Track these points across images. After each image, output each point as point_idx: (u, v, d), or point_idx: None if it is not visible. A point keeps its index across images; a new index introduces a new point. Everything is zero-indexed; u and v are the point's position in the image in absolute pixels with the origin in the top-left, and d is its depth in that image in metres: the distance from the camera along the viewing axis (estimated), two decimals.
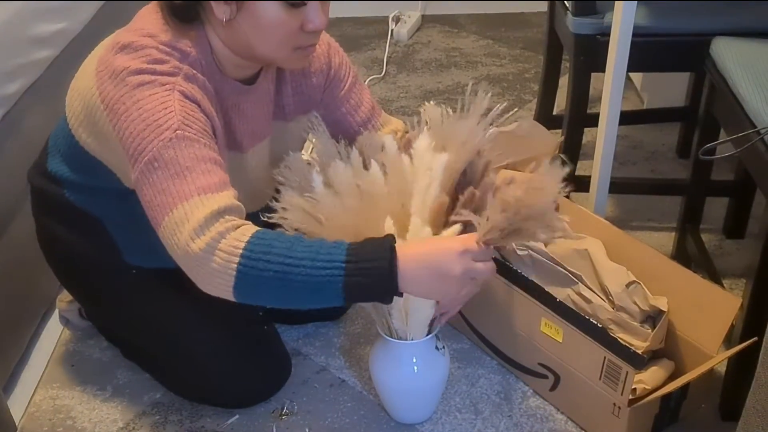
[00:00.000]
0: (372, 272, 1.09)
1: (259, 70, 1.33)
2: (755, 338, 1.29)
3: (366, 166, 1.28)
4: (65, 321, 1.65)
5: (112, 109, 1.18)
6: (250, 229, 1.12)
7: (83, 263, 1.44)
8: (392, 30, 2.95)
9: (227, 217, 1.12)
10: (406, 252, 1.12)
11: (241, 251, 1.08)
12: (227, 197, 1.14)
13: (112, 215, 1.38)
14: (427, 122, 1.34)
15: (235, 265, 1.08)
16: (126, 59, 1.19)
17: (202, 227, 1.09)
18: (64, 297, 1.63)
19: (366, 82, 2.62)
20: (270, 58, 1.26)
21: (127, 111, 1.16)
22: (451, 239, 1.16)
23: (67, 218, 1.40)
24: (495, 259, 1.35)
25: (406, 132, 1.44)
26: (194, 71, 1.21)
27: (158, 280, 1.41)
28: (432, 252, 1.13)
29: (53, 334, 1.64)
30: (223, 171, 1.18)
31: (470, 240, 1.14)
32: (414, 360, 1.36)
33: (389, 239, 1.13)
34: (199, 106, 1.19)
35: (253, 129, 1.36)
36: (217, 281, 1.10)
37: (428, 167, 1.24)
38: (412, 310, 1.28)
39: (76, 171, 1.36)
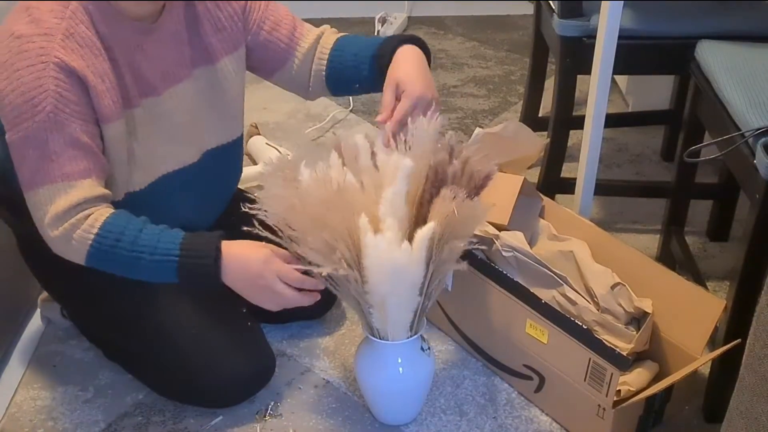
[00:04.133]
0: (199, 267, 1.27)
1: (162, 7, 1.32)
2: (739, 340, 1.30)
3: (343, 164, 1.29)
4: (47, 321, 1.63)
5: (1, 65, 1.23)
6: (102, 217, 1.25)
7: (61, 261, 1.43)
8: (378, 31, 2.95)
9: (84, 206, 1.24)
10: (231, 252, 1.28)
11: (91, 242, 1.24)
12: (89, 186, 1.25)
13: None
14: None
15: (86, 251, 1.25)
16: (11, 21, 1.23)
17: (60, 218, 1.23)
18: (46, 296, 1.62)
19: None
20: None
21: (8, 79, 1.21)
22: (264, 251, 1.29)
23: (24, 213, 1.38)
24: (481, 260, 1.35)
25: (332, 34, 1.49)
26: (76, 23, 1.22)
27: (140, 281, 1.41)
28: (248, 257, 1.29)
29: (34, 334, 1.63)
30: (92, 156, 1.25)
31: (285, 261, 1.29)
32: (399, 361, 1.35)
33: (218, 238, 1.28)
34: (78, 74, 1.21)
35: (164, 70, 1.34)
36: (71, 257, 1.28)
37: (394, 169, 1.23)
38: (390, 311, 1.28)
39: None
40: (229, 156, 1.50)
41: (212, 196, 1.51)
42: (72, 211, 1.24)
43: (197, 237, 1.29)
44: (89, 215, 1.25)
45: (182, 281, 1.27)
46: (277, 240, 1.29)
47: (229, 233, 1.32)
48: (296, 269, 1.28)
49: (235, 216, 1.35)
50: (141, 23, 1.29)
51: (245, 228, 1.27)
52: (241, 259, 1.28)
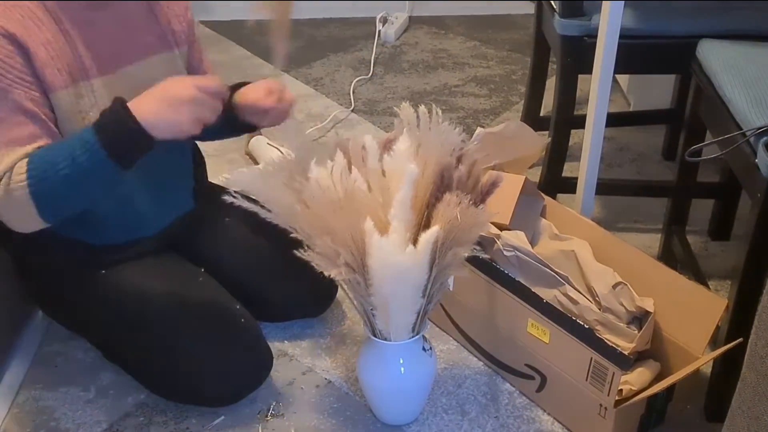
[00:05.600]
0: (121, 133, 1.21)
1: None
2: (740, 339, 1.30)
3: (350, 167, 1.29)
4: (48, 322, 1.63)
5: None
6: (24, 160, 1.22)
7: (55, 273, 1.44)
8: (379, 31, 2.95)
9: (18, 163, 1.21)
10: (140, 98, 1.23)
11: (26, 182, 1.20)
12: (34, 150, 1.22)
13: None
14: (408, 123, 1.34)
15: (27, 193, 1.21)
16: None
17: (1, 179, 1.21)
18: None
19: (353, 83, 2.62)
20: None
21: None
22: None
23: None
24: (483, 260, 1.35)
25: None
26: None
27: (131, 278, 1.42)
28: (164, 84, 1.24)
29: (36, 335, 1.63)
30: (39, 122, 1.24)
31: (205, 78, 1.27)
32: (401, 361, 1.35)
33: (118, 101, 1.22)
34: (18, 41, 1.21)
35: (118, 49, 1.35)
36: (23, 212, 1.23)
37: (402, 174, 1.24)
38: (393, 312, 1.28)
39: None
40: (178, 144, 1.45)
41: (165, 184, 1.48)
42: (9, 170, 1.22)
43: (103, 113, 1.25)
44: (17, 166, 1.22)
45: (117, 156, 1.22)
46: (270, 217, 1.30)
47: (212, 226, 1.36)
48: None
49: (215, 208, 1.36)
50: None
51: (228, 219, 1.27)
52: (145, 95, 1.24)
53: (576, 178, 1.77)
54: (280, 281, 1.57)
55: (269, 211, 1.30)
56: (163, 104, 1.23)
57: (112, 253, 1.43)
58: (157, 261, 1.47)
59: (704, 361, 1.36)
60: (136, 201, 1.42)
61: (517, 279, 1.45)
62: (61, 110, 1.28)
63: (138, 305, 1.41)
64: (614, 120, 2.15)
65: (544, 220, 1.64)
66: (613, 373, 1.29)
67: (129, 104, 1.22)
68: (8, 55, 1.21)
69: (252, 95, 1.43)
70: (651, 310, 1.42)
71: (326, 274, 1.23)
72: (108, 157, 1.21)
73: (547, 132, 1.94)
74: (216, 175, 1.70)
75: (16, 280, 1.55)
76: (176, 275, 1.47)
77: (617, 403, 1.31)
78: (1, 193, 1.22)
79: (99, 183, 1.26)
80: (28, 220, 1.26)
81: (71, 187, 1.23)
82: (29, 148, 1.23)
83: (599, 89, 1.61)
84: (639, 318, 1.44)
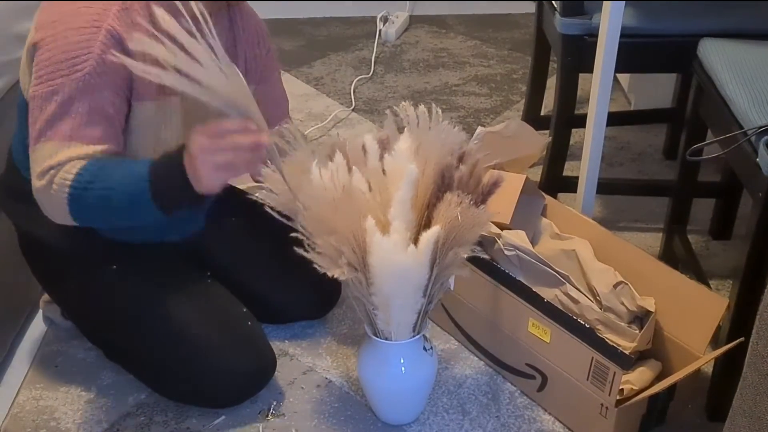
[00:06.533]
0: (172, 189, 1.22)
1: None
2: (742, 338, 1.29)
3: (349, 168, 1.28)
4: (49, 321, 1.63)
5: (46, 23, 1.24)
6: (80, 163, 1.22)
7: (63, 260, 1.43)
8: (380, 30, 2.95)
9: (74, 160, 1.23)
10: (196, 160, 1.20)
11: (69, 184, 1.21)
12: (94, 151, 1.23)
13: None
14: (408, 123, 1.34)
15: (65, 195, 1.22)
16: None
17: (50, 168, 1.22)
18: (48, 297, 1.62)
19: (353, 82, 2.62)
20: None
21: (54, 35, 1.22)
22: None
23: (34, 207, 1.37)
24: (484, 260, 1.34)
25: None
26: (131, 1, 1.25)
27: (140, 276, 1.42)
28: (215, 140, 1.20)
29: (37, 335, 1.63)
30: (110, 128, 1.26)
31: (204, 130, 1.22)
32: (401, 360, 1.35)
33: (180, 156, 1.20)
34: (125, 46, 1.22)
35: None
36: (56, 208, 1.25)
37: (402, 174, 1.23)
38: (394, 312, 1.28)
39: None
40: None
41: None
42: (63, 164, 1.23)
43: (162, 157, 1.25)
44: (71, 164, 1.23)
45: (162, 202, 1.23)
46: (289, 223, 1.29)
47: (218, 229, 1.35)
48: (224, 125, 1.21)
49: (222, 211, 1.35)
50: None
51: (234, 218, 1.28)
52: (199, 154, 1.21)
53: (577, 178, 1.77)
54: (284, 284, 1.57)
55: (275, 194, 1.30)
56: (217, 170, 1.20)
57: (125, 249, 1.43)
58: (165, 263, 1.47)
59: (705, 360, 1.35)
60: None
61: (518, 278, 1.45)
62: (136, 120, 1.30)
63: (144, 304, 1.41)
64: (615, 119, 2.15)
65: (544, 219, 1.64)
66: (614, 373, 1.29)
67: (185, 162, 1.20)
68: (111, 57, 1.22)
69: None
70: (652, 309, 1.42)
71: (329, 273, 1.23)
72: (153, 201, 1.23)
73: (547, 131, 1.93)
74: None
75: (17, 280, 1.55)
76: (183, 278, 1.47)
77: (618, 402, 1.31)
78: (44, 183, 1.23)
79: (136, 216, 1.27)
80: (59, 216, 1.27)
81: (108, 208, 1.24)
82: (90, 149, 1.23)
83: (600, 88, 1.61)
84: (640, 317, 1.44)
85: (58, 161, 1.22)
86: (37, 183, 1.24)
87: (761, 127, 1.27)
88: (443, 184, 1.26)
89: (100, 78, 1.23)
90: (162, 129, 1.32)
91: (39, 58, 1.24)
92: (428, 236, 1.19)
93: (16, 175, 1.40)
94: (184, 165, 1.20)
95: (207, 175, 1.20)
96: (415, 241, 1.21)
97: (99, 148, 1.24)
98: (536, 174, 1.94)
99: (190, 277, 1.48)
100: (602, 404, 1.33)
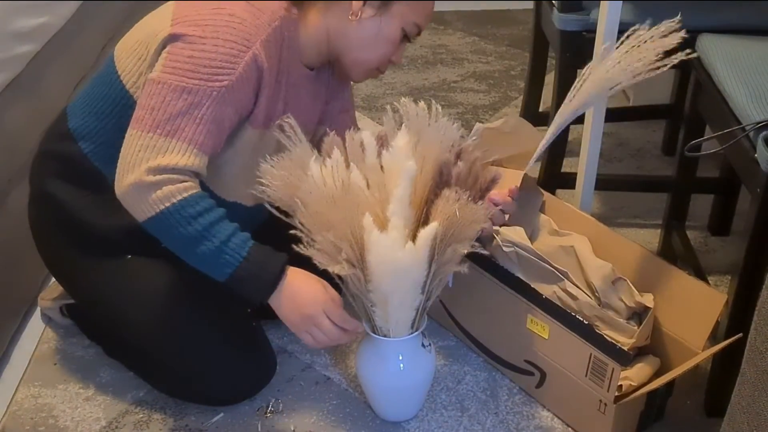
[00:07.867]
0: (257, 280, 1.27)
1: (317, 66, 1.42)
2: (740, 334, 1.29)
3: (347, 164, 1.29)
4: (47, 319, 1.63)
5: (193, 21, 1.27)
6: (194, 189, 1.24)
7: (82, 229, 1.41)
8: None
9: (190, 175, 1.25)
10: (290, 277, 1.28)
11: (173, 201, 1.22)
12: (202, 163, 1.26)
13: None
14: (407, 119, 1.34)
15: (162, 208, 1.22)
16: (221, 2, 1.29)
17: (165, 170, 1.22)
18: (46, 295, 1.62)
19: None
20: (356, 62, 1.39)
21: (204, 39, 1.25)
22: (318, 285, 1.30)
23: (75, 177, 1.39)
24: (482, 256, 1.34)
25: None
26: (275, 36, 1.30)
27: (151, 273, 1.41)
28: (301, 286, 1.29)
29: (35, 333, 1.62)
30: (220, 143, 1.29)
31: (335, 299, 1.30)
32: (400, 357, 1.35)
33: (285, 260, 1.28)
34: (262, 73, 1.29)
35: (303, 119, 1.38)
36: (139, 207, 1.24)
37: (400, 171, 1.23)
38: (392, 308, 1.28)
39: (106, 116, 1.37)
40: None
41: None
42: (183, 171, 1.24)
43: (266, 250, 1.28)
44: (186, 182, 1.24)
45: (230, 282, 1.26)
46: (335, 280, 1.29)
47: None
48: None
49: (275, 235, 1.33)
50: (307, 70, 1.41)
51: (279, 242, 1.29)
52: (295, 286, 1.29)
53: (575, 174, 1.77)
54: None
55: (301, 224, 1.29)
56: (294, 314, 1.29)
57: (142, 241, 1.41)
58: (173, 259, 1.46)
59: (704, 356, 1.35)
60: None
61: (516, 275, 1.45)
62: (240, 140, 1.34)
63: (149, 301, 1.41)
64: (613, 115, 2.14)
65: (543, 215, 1.64)
66: (613, 369, 1.29)
67: (284, 294, 1.28)
68: (248, 80, 1.27)
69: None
70: (650, 305, 1.42)
71: (329, 270, 1.22)
72: (226, 276, 1.26)
73: (546, 127, 1.93)
74: None
75: (16, 278, 1.55)
76: (188, 278, 1.46)
77: (617, 398, 1.31)
78: (155, 180, 1.21)
79: (196, 265, 1.28)
80: (137, 210, 1.25)
81: (188, 243, 1.25)
82: (204, 160, 1.26)
83: None
84: (638, 313, 1.44)
85: (175, 164, 1.22)
86: (145, 176, 1.21)
87: (759, 123, 1.27)
88: (441, 181, 1.26)
89: (232, 95, 1.26)
90: (256, 154, 1.34)
91: (179, 50, 1.25)
92: (426, 233, 1.19)
93: (70, 146, 1.39)
94: (281, 289, 1.27)
95: (290, 321, 1.30)
96: (414, 237, 1.21)
97: (204, 157, 1.26)
98: (535, 170, 1.94)
99: (193, 278, 1.48)
100: (601, 400, 1.33)
